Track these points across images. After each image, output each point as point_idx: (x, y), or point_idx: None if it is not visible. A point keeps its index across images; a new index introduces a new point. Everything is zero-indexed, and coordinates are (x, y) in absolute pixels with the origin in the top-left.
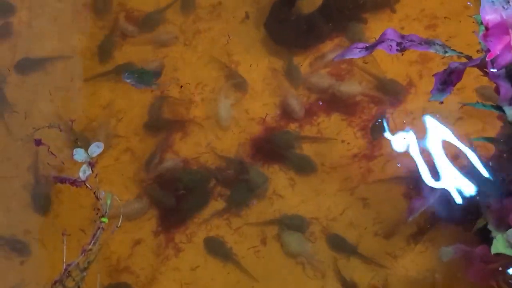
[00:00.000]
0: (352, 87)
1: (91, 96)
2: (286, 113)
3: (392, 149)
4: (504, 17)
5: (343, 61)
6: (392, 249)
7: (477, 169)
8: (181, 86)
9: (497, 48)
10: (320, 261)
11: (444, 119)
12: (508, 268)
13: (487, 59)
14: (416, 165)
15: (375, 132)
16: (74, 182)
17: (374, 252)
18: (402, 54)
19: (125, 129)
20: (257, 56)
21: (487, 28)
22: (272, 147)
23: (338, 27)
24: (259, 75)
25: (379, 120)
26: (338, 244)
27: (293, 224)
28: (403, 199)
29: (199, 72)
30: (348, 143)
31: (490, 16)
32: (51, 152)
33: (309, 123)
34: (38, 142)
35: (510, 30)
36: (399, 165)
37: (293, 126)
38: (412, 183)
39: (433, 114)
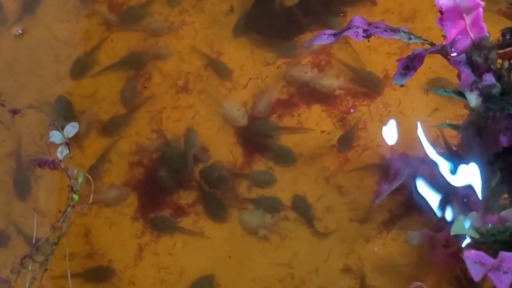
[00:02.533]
0: (331, 80)
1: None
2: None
3: (368, 140)
4: (457, 1)
5: (322, 52)
6: (366, 234)
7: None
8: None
9: (452, 32)
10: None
11: (420, 110)
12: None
13: (444, 43)
14: (390, 154)
15: (342, 145)
16: (52, 164)
17: (348, 236)
18: (368, 41)
19: (107, 115)
20: (240, 47)
21: (441, 12)
22: (251, 137)
23: (318, 20)
24: (241, 66)
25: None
26: (298, 204)
27: (269, 205)
28: (376, 186)
29: (183, 61)
30: (328, 133)
31: (443, 0)
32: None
33: (289, 114)
34: (16, 111)
35: (464, 15)
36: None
37: (273, 117)
38: (384, 171)
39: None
